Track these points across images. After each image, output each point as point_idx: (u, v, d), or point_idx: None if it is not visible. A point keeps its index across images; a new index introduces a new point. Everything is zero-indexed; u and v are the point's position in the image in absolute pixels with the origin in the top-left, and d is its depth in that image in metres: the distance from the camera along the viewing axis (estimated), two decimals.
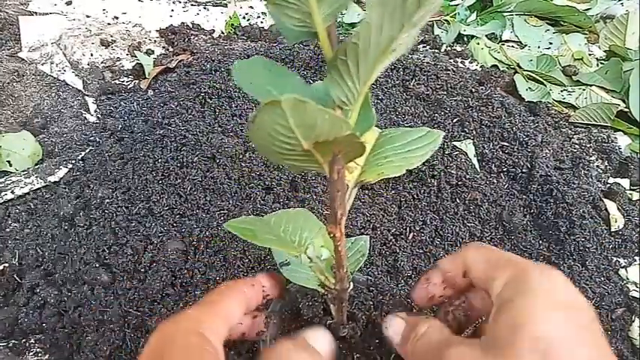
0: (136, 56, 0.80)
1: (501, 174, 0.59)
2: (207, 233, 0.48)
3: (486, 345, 0.20)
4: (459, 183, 0.56)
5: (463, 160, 0.58)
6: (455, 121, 0.64)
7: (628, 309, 0.47)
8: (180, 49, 0.81)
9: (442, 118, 0.64)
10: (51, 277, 0.49)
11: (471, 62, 0.82)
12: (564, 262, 0.50)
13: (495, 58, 0.82)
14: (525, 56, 0.81)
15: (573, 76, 0.77)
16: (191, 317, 0.24)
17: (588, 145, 0.66)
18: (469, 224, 0.53)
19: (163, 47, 0.84)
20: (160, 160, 0.56)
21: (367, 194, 0.54)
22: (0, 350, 0.45)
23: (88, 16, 0.89)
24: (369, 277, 0.33)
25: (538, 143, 0.62)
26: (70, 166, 0.61)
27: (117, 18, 0.89)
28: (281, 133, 0.17)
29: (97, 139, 0.65)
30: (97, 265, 0.48)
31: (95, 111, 0.72)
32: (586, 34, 0.88)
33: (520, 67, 0.79)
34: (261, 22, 0.93)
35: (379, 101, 0.66)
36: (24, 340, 0.46)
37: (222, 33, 0.90)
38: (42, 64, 0.79)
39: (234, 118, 0.62)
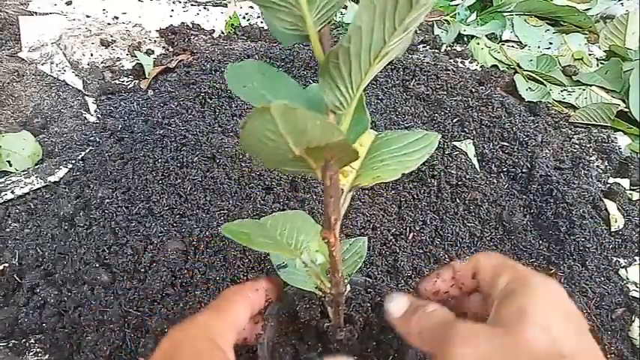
0: (136, 56, 0.80)
1: (501, 174, 0.59)
2: (207, 233, 0.48)
3: (493, 323, 0.22)
4: (459, 183, 0.56)
5: (463, 160, 0.58)
6: (455, 121, 0.64)
7: (628, 309, 0.47)
8: (180, 49, 0.81)
9: (442, 118, 0.64)
10: (51, 277, 0.49)
11: (471, 62, 0.82)
12: (564, 262, 0.50)
13: (495, 58, 0.82)
14: (525, 56, 0.81)
15: (573, 76, 0.77)
16: (200, 323, 0.25)
17: (588, 145, 0.66)
18: (469, 224, 0.53)
19: (163, 47, 0.84)
20: (160, 160, 0.56)
21: (367, 194, 0.54)
22: (0, 350, 0.45)
23: (88, 16, 0.89)
24: (368, 279, 0.33)
25: (538, 143, 0.62)
26: (70, 166, 0.61)
27: (117, 18, 0.89)
28: (271, 139, 0.16)
29: (97, 139, 0.65)
30: (97, 265, 0.48)
31: (95, 111, 0.72)
32: (586, 34, 0.88)
33: (520, 67, 0.79)
34: (261, 22, 0.93)
35: (379, 101, 0.66)
36: (24, 340, 0.46)
37: (222, 33, 0.90)
38: (42, 64, 0.79)
39: (234, 118, 0.62)
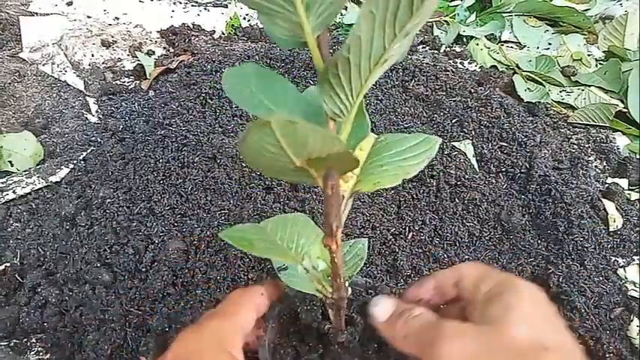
0: (136, 57, 0.80)
1: (500, 174, 0.59)
2: (208, 233, 0.48)
3: (479, 322, 0.23)
4: (458, 183, 0.56)
5: (462, 161, 0.58)
6: (454, 121, 0.64)
7: (626, 308, 0.48)
8: (180, 49, 0.82)
9: (441, 119, 0.65)
10: (52, 276, 0.50)
11: (470, 63, 0.83)
12: (563, 261, 0.50)
13: (494, 59, 0.82)
14: (524, 57, 0.81)
15: (572, 77, 0.77)
16: (214, 330, 0.25)
17: (587, 146, 0.66)
18: (468, 224, 0.53)
19: (164, 48, 0.84)
20: (161, 161, 0.56)
21: (367, 194, 0.54)
22: (1, 350, 0.45)
23: (88, 17, 0.89)
24: (369, 280, 0.33)
25: (537, 143, 0.62)
26: (72, 166, 0.61)
27: (118, 19, 0.90)
28: (272, 151, 0.16)
29: (99, 140, 0.65)
30: (99, 265, 0.48)
31: (96, 111, 0.72)
32: (585, 34, 0.88)
33: (519, 68, 0.79)
34: (260, 22, 0.93)
35: (379, 102, 0.66)
36: (25, 340, 0.46)
37: (223, 34, 0.90)
38: (43, 65, 0.79)
39: (235, 118, 0.62)
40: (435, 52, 0.85)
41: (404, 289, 0.30)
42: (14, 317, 0.46)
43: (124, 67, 0.79)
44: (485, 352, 0.21)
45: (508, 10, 0.92)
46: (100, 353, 0.43)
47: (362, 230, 0.50)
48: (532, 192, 0.57)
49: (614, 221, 0.55)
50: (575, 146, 0.65)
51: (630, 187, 0.61)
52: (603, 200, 0.57)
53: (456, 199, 0.55)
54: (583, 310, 0.46)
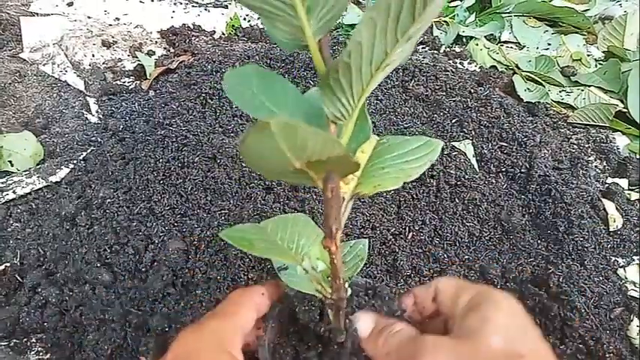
0: (137, 57, 0.80)
1: (500, 174, 0.59)
2: (208, 233, 0.48)
3: (457, 335, 0.24)
4: (458, 183, 0.56)
5: (462, 161, 0.58)
6: (454, 121, 0.64)
7: (626, 308, 0.48)
8: (181, 50, 0.82)
9: (441, 119, 0.65)
10: (52, 276, 0.50)
11: (470, 63, 0.83)
12: (563, 261, 0.50)
13: (494, 59, 0.82)
14: (524, 57, 0.81)
15: (572, 77, 0.77)
16: (214, 330, 0.25)
17: (587, 146, 0.66)
18: (468, 224, 0.53)
19: (164, 48, 0.84)
20: (161, 161, 0.56)
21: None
22: (1, 349, 0.45)
23: (89, 17, 0.89)
24: (369, 281, 0.33)
25: (537, 143, 0.62)
26: (72, 166, 0.61)
27: (118, 19, 0.90)
28: (272, 154, 0.16)
29: (99, 140, 0.65)
30: (99, 265, 0.48)
31: (96, 111, 0.72)
32: (584, 34, 0.88)
33: (519, 68, 0.79)
34: (262, 24, 0.93)
35: (379, 102, 0.66)
36: (25, 340, 0.46)
37: (223, 34, 0.90)
38: (43, 65, 0.79)
39: (235, 118, 0.62)
40: (435, 52, 0.85)
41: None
42: (14, 317, 0.46)
43: (124, 67, 0.80)
44: None
45: (507, 11, 0.92)
46: (100, 353, 0.43)
47: (362, 230, 0.50)
48: (532, 192, 0.57)
49: (614, 221, 0.55)
50: (575, 146, 0.65)
51: (630, 187, 0.61)
52: (603, 200, 0.57)
53: (456, 199, 0.55)
54: (583, 310, 0.46)
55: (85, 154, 0.63)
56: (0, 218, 0.56)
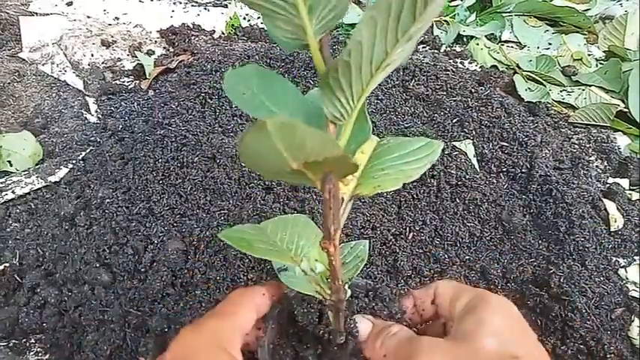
0: (136, 56, 0.80)
1: (501, 174, 0.59)
2: (207, 233, 0.48)
3: (453, 337, 0.24)
4: (459, 183, 0.56)
5: (463, 160, 0.58)
6: (454, 121, 0.64)
7: (627, 309, 0.47)
8: (180, 49, 0.82)
9: (442, 119, 0.64)
10: (51, 276, 0.50)
11: (471, 62, 0.83)
12: (564, 262, 0.50)
13: (495, 59, 0.82)
14: (525, 56, 0.81)
15: (572, 77, 0.77)
16: (213, 329, 0.25)
17: (588, 145, 0.66)
18: (469, 224, 0.53)
19: (164, 48, 0.84)
20: (160, 160, 0.56)
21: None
22: (0, 350, 0.45)
23: (88, 17, 0.89)
24: (369, 282, 0.33)
25: (537, 143, 0.62)
26: (71, 166, 0.61)
27: (117, 18, 0.90)
28: (269, 153, 0.16)
29: (98, 139, 0.65)
30: (98, 265, 0.48)
31: (96, 111, 0.72)
32: (585, 34, 0.88)
33: (519, 68, 0.79)
34: (262, 23, 0.93)
35: (379, 101, 0.66)
36: (24, 340, 0.46)
37: (223, 33, 0.90)
38: (43, 65, 0.79)
39: (235, 118, 0.62)
40: (436, 51, 0.85)
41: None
42: (13, 317, 0.46)
43: (123, 66, 0.79)
44: None
45: (508, 10, 0.92)
46: (99, 354, 0.42)
47: (362, 230, 0.50)
48: (533, 192, 0.57)
49: (615, 221, 0.54)
50: (576, 146, 0.65)
51: (631, 187, 0.61)
52: (604, 200, 0.56)
53: (457, 199, 0.55)
54: (584, 311, 0.45)
55: (84, 154, 0.63)
56: None
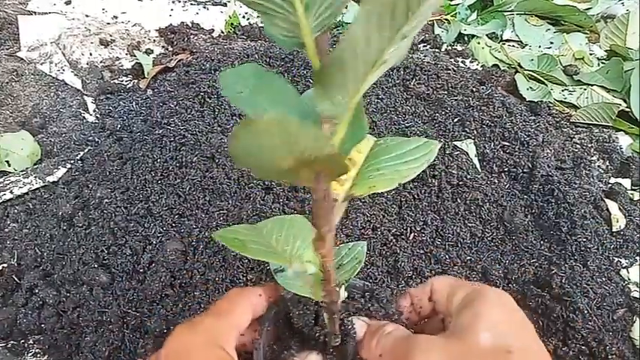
0: (135, 56, 0.80)
1: (502, 174, 0.59)
2: (206, 233, 0.48)
3: (451, 332, 0.24)
4: (460, 183, 0.55)
5: (464, 160, 0.58)
6: (456, 120, 0.64)
7: (629, 309, 0.47)
8: (179, 48, 0.81)
9: (443, 118, 0.64)
10: (50, 277, 0.49)
11: (472, 62, 0.82)
12: (565, 262, 0.50)
13: (496, 58, 0.82)
14: (526, 56, 0.80)
15: (574, 76, 0.77)
16: (208, 327, 0.25)
17: (589, 145, 0.65)
18: (470, 224, 0.53)
19: (163, 47, 0.84)
20: (159, 160, 0.55)
21: (367, 194, 0.53)
22: None
23: (87, 16, 0.88)
24: (367, 283, 0.33)
25: (539, 143, 0.62)
26: (69, 165, 0.61)
27: (116, 17, 0.89)
28: (262, 151, 0.16)
29: (96, 139, 0.65)
30: (96, 266, 0.48)
31: (94, 110, 0.71)
32: (587, 33, 0.87)
33: (521, 67, 0.78)
34: (261, 22, 0.93)
35: (379, 101, 0.66)
36: (23, 341, 0.46)
37: (222, 32, 0.90)
38: (41, 64, 0.79)
39: (234, 117, 0.61)
40: (437, 50, 0.84)
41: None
42: (11, 318, 0.46)
43: (122, 66, 0.79)
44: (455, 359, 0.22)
45: (509, 9, 0.91)
46: (97, 355, 0.42)
47: (362, 231, 0.49)
48: (535, 192, 0.57)
49: (617, 221, 0.54)
50: (577, 146, 0.65)
51: (633, 187, 0.60)
52: (606, 200, 0.56)
53: (458, 200, 0.54)
54: (586, 311, 0.45)
55: (82, 153, 0.63)
56: None
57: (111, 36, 0.82)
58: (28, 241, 0.53)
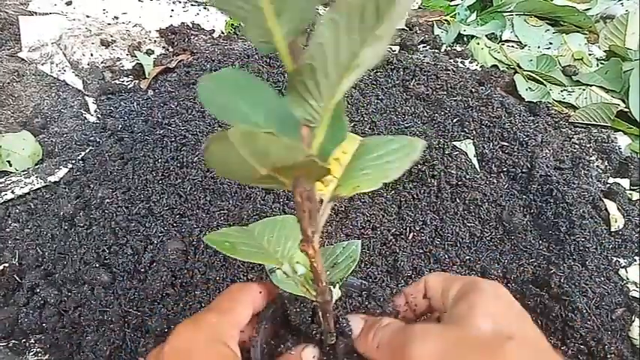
0: (136, 56, 0.80)
1: (501, 174, 0.59)
2: (207, 233, 0.48)
3: (447, 321, 0.24)
4: (459, 183, 0.56)
5: (463, 160, 0.58)
6: (455, 121, 0.64)
7: (628, 309, 0.47)
8: (180, 49, 0.81)
9: (442, 118, 0.64)
10: (51, 277, 0.49)
11: (471, 62, 0.82)
12: (564, 262, 0.50)
13: (495, 58, 0.82)
14: (525, 56, 0.81)
15: (573, 76, 0.77)
16: (212, 324, 0.25)
17: (588, 145, 0.66)
18: (469, 224, 0.53)
19: (163, 47, 0.84)
20: (160, 160, 0.56)
21: (367, 194, 0.54)
22: (0, 350, 0.45)
23: (88, 16, 0.89)
24: (364, 282, 0.33)
25: (538, 143, 0.62)
26: (70, 166, 0.61)
27: (117, 18, 0.89)
28: (235, 162, 0.16)
29: (97, 139, 0.65)
30: (97, 265, 0.48)
31: (95, 111, 0.72)
32: (586, 34, 0.88)
33: (520, 67, 0.79)
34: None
35: (379, 101, 0.66)
36: (24, 340, 0.46)
37: (222, 33, 0.90)
38: (42, 64, 0.79)
39: None
40: (436, 51, 0.85)
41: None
42: (13, 318, 0.46)
43: (123, 66, 0.79)
44: (452, 347, 0.21)
45: (509, 10, 0.92)
46: (98, 354, 0.42)
47: (362, 231, 0.50)
48: (533, 192, 0.57)
49: (616, 221, 0.54)
50: (576, 146, 0.65)
51: (632, 187, 0.61)
52: (605, 200, 0.56)
53: (457, 199, 0.55)
54: (584, 311, 0.45)
55: (83, 153, 0.63)
56: None
57: (112, 36, 0.83)
58: (30, 241, 0.53)
